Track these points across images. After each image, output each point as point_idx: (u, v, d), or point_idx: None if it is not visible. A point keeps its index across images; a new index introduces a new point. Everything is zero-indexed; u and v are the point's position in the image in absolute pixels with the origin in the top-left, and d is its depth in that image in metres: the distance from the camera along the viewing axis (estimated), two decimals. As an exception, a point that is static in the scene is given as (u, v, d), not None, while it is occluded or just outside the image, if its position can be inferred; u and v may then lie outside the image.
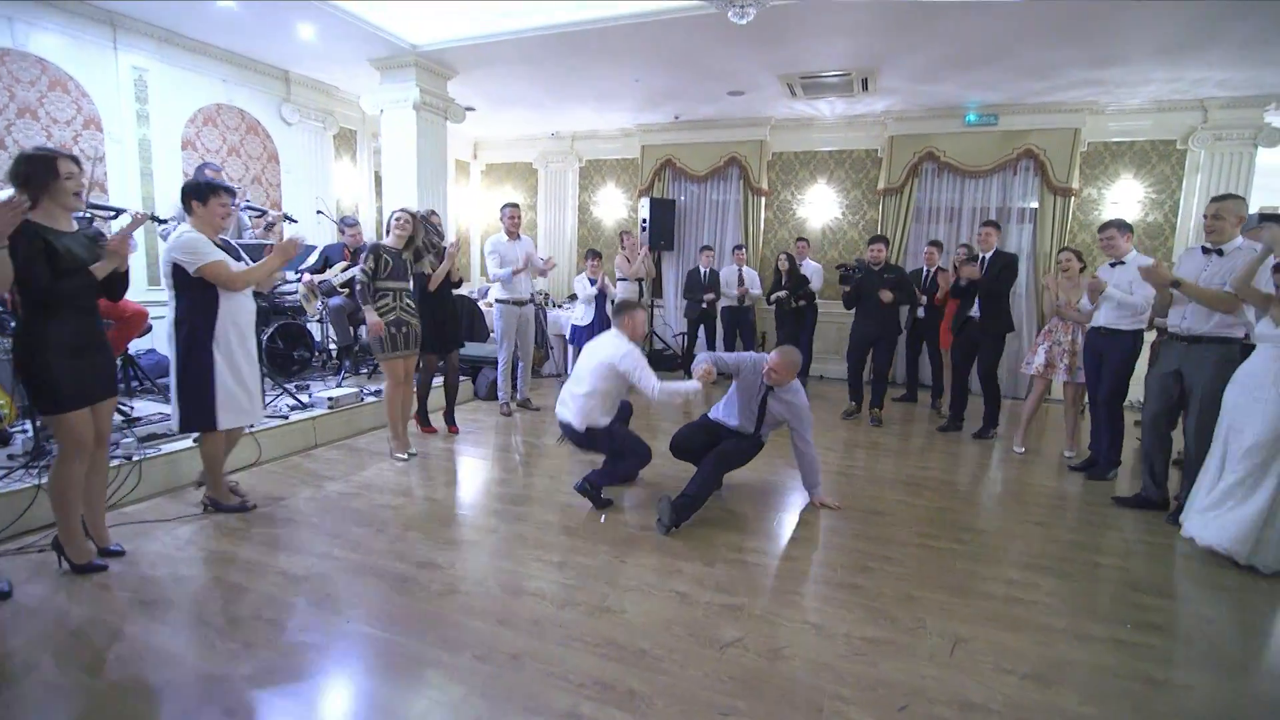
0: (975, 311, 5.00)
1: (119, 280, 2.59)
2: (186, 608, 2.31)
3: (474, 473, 4.04)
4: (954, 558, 2.92)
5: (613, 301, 5.87)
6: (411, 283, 4.16)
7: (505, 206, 5.30)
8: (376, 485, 3.63)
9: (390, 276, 3.93)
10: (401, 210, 4.13)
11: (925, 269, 6.21)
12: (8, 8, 4.47)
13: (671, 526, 3.04)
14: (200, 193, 2.90)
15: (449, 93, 6.33)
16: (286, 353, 5.58)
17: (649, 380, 3.24)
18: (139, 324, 3.98)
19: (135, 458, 3.33)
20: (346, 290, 5.49)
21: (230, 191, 3.03)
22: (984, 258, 5.03)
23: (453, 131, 8.87)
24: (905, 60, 5.48)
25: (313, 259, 5.57)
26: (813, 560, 2.85)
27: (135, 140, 5.29)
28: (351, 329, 5.68)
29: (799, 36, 5.03)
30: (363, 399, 4.85)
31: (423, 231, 4.31)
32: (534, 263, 5.39)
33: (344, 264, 5.49)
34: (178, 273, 2.85)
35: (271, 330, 5.38)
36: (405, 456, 4.11)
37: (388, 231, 4.11)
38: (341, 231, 5.86)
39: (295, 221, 5.49)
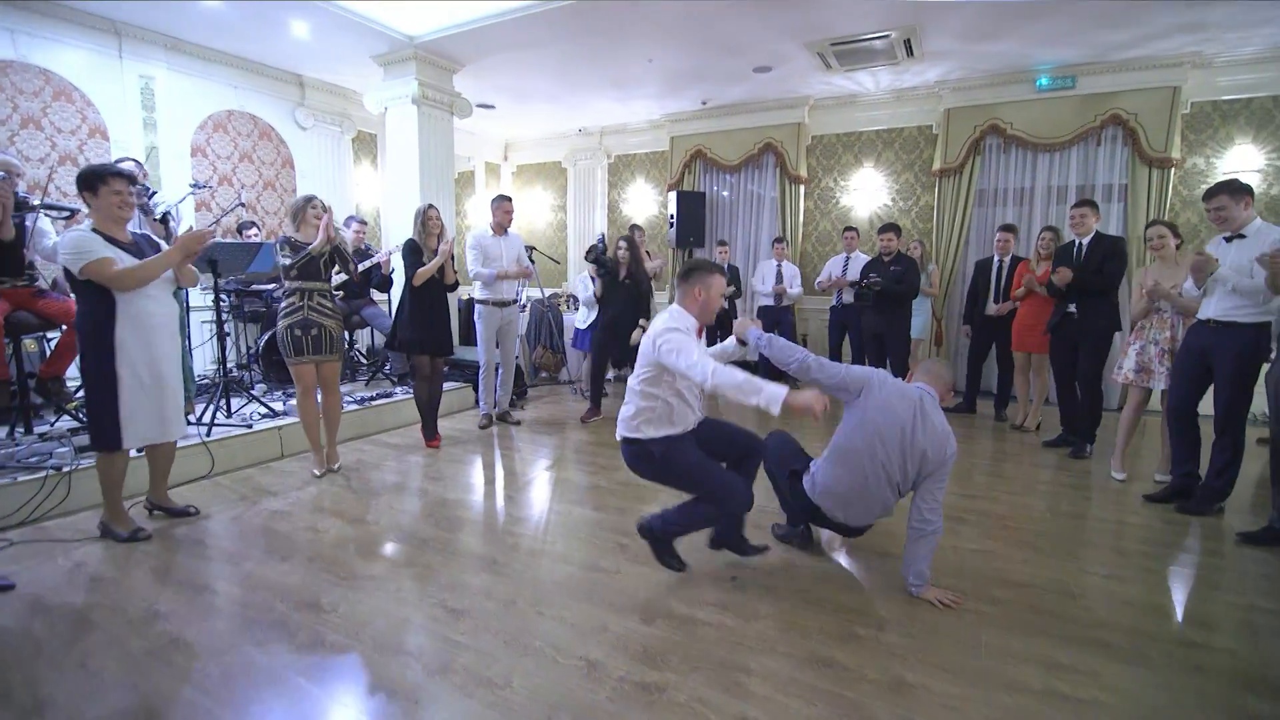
0: (1073, 307, 4.23)
1: None
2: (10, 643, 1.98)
3: (428, 493, 3.58)
4: (981, 625, 2.19)
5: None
6: (329, 282, 3.67)
7: (496, 199, 4.90)
8: (313, 504, 3.27)
9: (300, 275, 3.57)
10: (313, 197, 3.65)
11: (997, 258, 5.30)
12: (9, 20, 4.52)
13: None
14: (90, 181, 2.62)
15: (455, 87, 6.03)
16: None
17: (696, 362, 2.15)
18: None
19: (66, 469, 3.14)
20: (342, 292, 5.28)
21: (128, 177, 2.73)
22: (1080, 244, 4.23)
23: (483, 133, 8.71)
24: (950, 13, 4.66)
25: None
26: (785, 622, 2.20)
27: (142, 148, 5.27)
28: (347, 333, 5.46)
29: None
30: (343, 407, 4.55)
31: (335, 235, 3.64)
32: (521, 263, 4.96)
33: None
34: (69, 275, 2.60)
35: (269, 335, 5.24)
36: (319, 473, 3.70)
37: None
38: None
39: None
